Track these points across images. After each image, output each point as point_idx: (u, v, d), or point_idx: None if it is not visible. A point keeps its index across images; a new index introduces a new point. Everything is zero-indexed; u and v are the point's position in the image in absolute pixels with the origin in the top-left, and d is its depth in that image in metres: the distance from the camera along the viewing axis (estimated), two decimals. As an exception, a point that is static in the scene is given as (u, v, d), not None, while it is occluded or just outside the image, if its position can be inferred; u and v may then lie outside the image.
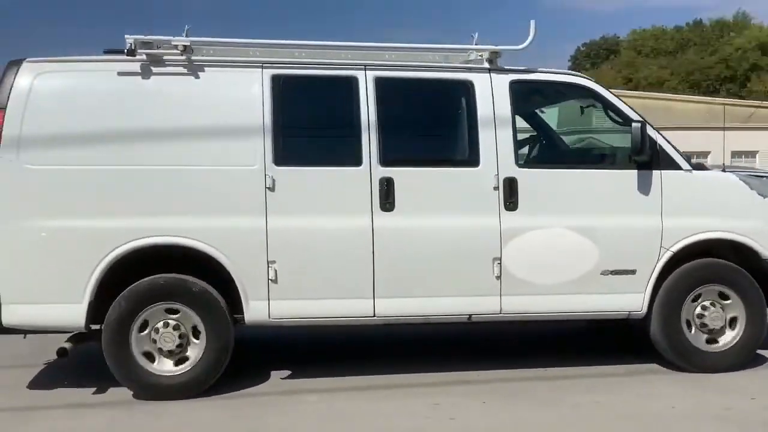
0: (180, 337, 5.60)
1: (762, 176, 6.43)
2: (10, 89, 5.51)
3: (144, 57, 5.65)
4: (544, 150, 6.92)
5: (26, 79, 5.54)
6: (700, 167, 6.37)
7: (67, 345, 5.65)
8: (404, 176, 5.79)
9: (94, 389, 5.81)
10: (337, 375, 6.18)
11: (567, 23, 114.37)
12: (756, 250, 6.19)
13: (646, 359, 6.45)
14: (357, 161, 5.76)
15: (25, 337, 6.25)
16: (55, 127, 5.52)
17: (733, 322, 6.22)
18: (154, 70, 5.69)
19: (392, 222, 5.76)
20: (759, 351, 6.43)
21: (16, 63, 5.64)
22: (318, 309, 5.77)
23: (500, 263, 5.88)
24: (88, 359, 6.17)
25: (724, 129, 28.88)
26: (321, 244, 5.72)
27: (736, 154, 32.31)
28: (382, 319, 5.87)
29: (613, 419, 5.18)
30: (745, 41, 61.28)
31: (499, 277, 5.88)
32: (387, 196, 5.75)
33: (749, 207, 6.22)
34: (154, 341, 5.58)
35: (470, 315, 5.95)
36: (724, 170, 6.54)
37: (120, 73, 5.67)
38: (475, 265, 5.87)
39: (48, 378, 6.22)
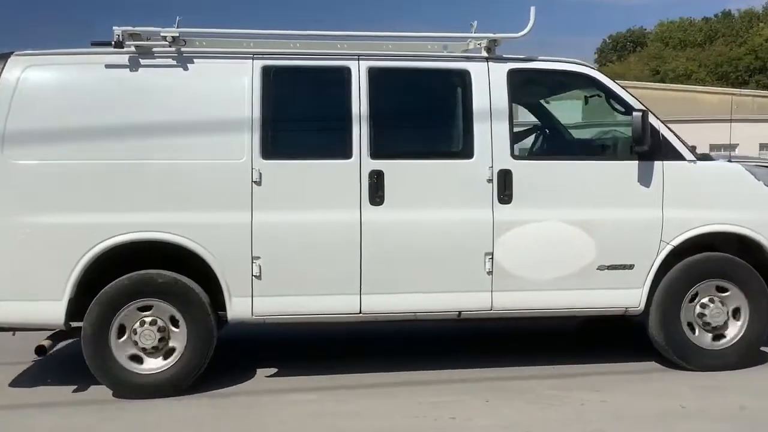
0: (159, 330, 5.49)
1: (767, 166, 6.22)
2: None
3: (133, 49, 5.58)
4: (543, 141, 6.73)
5: (14, 72, 5.49)
6: (705, 157, 6.16)
7: (47, 343, 5.58)
8: (395, 169, 5.67)
9: (74, 387, 5.73)
10: (325, 373, 6.05)
11: (592, 16, 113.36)
12: (761, 243, 5.98)
13: (651, 356, 6.24)
14: (346, 154, 5.64)
15: (14, 335, 6.18)
16: (40, 122, 5.47)
17: (736, 313, 6.00)
18: (143, 62, 5.61)
19: (381, 216, 5.64)
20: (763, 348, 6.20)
21: (3, 56, 5.59)
22: (302, 306, 5.65)
23: (492, 258, 5.73)
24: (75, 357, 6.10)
25: (739, 121, 28.35)
26: (307, 240, 5.60)
27: (764, 146, 31.67)
28: (368, 316, 5.77)
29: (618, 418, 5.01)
30: (774, 32, 60.29)
31: (490, 273, 5.74)
32: (376, 190, 5.63)
33: (755, 198, 6.00)
34: (136, 343, 5.49)
35: (460, 311, 5.81)
36: (730, 160, 6.33)
37: (108, 66, 5.59)
38: (465, 261, 5.73)
39: (31, 377, 6.14)
